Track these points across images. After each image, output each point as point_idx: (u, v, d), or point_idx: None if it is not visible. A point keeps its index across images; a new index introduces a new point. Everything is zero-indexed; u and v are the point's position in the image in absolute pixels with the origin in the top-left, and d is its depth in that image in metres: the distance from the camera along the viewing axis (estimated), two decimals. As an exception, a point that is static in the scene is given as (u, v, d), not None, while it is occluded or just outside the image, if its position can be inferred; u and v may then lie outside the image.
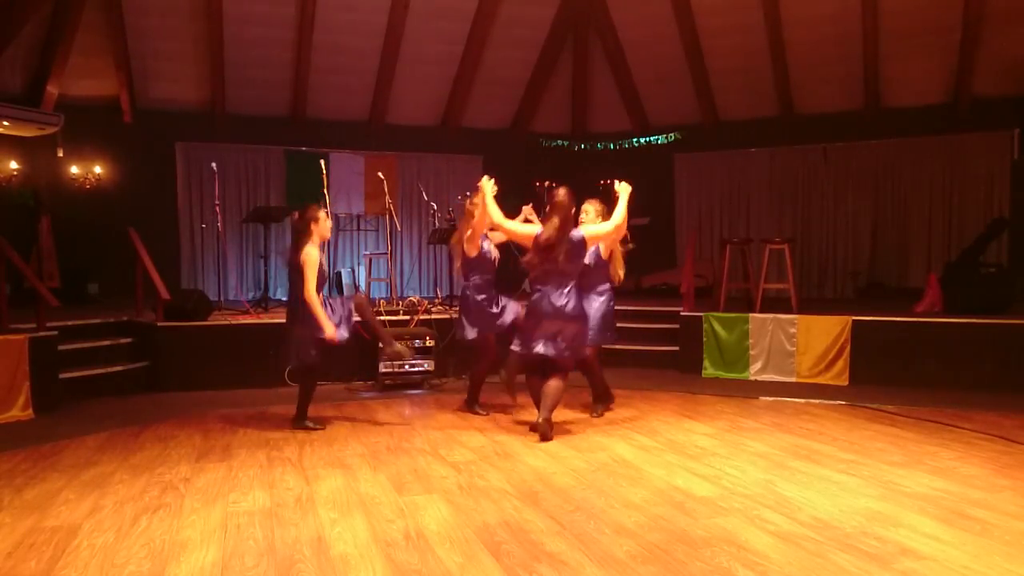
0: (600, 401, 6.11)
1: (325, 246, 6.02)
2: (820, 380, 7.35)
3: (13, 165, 9.56)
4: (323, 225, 5.44)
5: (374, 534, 3.53)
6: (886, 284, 10.42)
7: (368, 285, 9.99)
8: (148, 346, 7.32)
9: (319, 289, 5.34)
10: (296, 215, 5.51)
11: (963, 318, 7.14)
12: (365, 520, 3.71)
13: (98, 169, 10.13)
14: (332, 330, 5.29)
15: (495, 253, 5.98)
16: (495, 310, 5.89)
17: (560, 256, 5.07)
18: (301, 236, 5.37)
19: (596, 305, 5.77)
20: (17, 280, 7.61)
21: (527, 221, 5.82)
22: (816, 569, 3.10)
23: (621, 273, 5.94)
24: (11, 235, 7.12)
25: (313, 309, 5.24)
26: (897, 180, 10.70)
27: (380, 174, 8.78)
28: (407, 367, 7.20)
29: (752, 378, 7.62)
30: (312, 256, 5.27)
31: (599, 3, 10.98)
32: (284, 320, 5.65)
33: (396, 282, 10.07)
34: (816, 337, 7.45)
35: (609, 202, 5.59)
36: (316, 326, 5.27)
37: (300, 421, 5.63)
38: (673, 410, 6.25)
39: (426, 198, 9.75)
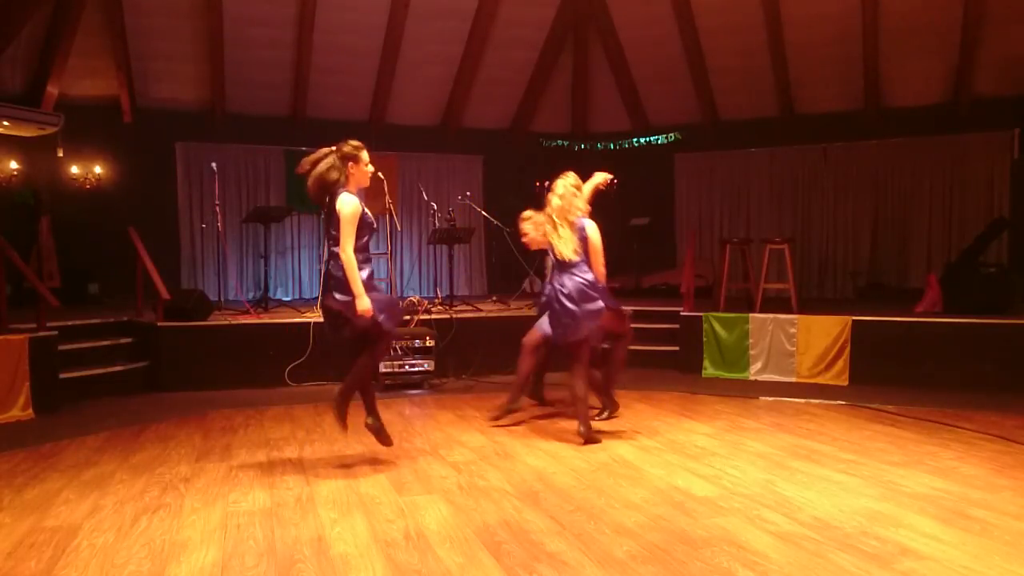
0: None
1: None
2: (820, 380, 7.35)
3: (13, 165, 9.56)
4: (363, 170, 4.34)
5: (374, 534, 3.53)
6: (886, 284, 10.42)
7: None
8: (148, 346, 7.33)
9: (365, 246, 4.36)
10: (333, 148, 4.31)
11: (963, 318, 7.14)
12: (365, 520, 3.71)
13: (98, 169, 10.13)
14: (366, 303, 4.23)
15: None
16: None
17: None
18: (336, 178, 4.27)
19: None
20: (17, 280, 7.61)
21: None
22: (816, 569, 3.10)
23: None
24: (11, 235, 7.14)
25: (347, 270, 4.21)
26: (897, 180, 10.70)
27: (380, 174, 8.71)
28: (407, 367, 7.21)
29: (752, 378, 7.62)
30: (350, 206, 4.20)
31: (599, 3, 10.98)
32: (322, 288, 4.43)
33: (396, 282, 10.06)
34: (816, 337, 7.45)
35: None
36: (348, 293, 4.23)
37: (374, 420, 4.68)
38: (673, 410, 6.25)
39: (426, 198, 9.75)
